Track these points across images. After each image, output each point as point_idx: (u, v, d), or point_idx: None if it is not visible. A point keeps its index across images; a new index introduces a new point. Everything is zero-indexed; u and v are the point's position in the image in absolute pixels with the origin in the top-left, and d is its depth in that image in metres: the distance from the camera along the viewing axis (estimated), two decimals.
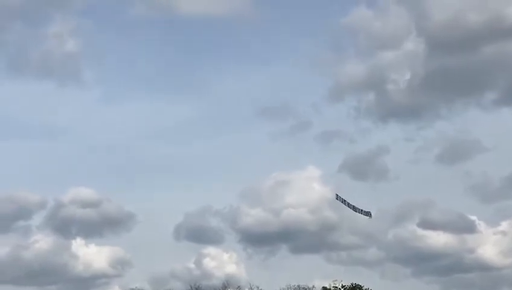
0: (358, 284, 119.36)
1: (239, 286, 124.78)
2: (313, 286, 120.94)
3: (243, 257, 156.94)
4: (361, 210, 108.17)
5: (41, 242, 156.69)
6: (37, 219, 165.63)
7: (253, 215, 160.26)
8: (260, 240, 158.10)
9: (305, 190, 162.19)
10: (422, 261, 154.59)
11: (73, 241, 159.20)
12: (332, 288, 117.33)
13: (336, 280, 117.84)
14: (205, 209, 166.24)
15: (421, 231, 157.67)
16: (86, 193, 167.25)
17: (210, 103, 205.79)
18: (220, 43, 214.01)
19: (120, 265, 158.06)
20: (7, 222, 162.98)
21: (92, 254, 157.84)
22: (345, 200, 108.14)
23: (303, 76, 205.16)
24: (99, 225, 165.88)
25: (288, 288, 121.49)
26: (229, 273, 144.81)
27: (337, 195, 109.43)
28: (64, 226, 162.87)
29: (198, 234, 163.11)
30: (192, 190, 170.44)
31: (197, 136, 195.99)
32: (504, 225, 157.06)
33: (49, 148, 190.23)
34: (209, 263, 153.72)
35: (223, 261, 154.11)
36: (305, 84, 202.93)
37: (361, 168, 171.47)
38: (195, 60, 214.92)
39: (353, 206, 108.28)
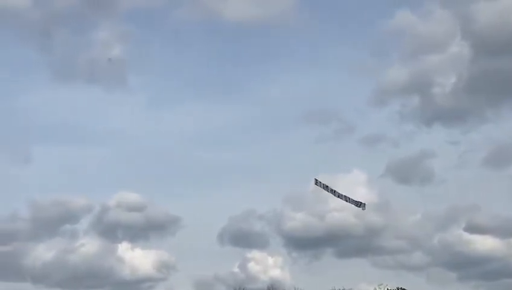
0: (403, 289, 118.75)
1: None
2: None
3: (287, 261, 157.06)
4: (350, 198, 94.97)
5: (88, 246, 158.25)
6: (84, 223, 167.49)
7: (297, 219, 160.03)
8: (305, 244, 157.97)
9: (349, 194, 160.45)
10: (468, 265, 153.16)
11: (119, 245, 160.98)
12: None
13: (381, 284, 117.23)
14: (249, 214, 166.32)
15: (467, 236, 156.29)
16: (132, 197, 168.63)
17: (254, 108, 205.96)
18: (265, 47, 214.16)
19: (165, 269, 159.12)
20: (54, 225, 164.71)
21: (137, 258, 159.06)
22: (327, 186, 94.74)
23: (347, 80, 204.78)
24: (145, 229, 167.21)
25: None
26: (273, 278, 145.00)
27: (316, 180, 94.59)
28: (110, 230, 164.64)
29: (243, 238, 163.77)
30: (237, 194, 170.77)
31: (241, 140, 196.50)
32: None
33: (95, 153, 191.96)
34: (253, 267, 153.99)
35: (267, 265, 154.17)
36: (349, 88, 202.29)
37: (406, 172, 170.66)
38: (241, 64, 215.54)
39: (339, 193, 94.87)
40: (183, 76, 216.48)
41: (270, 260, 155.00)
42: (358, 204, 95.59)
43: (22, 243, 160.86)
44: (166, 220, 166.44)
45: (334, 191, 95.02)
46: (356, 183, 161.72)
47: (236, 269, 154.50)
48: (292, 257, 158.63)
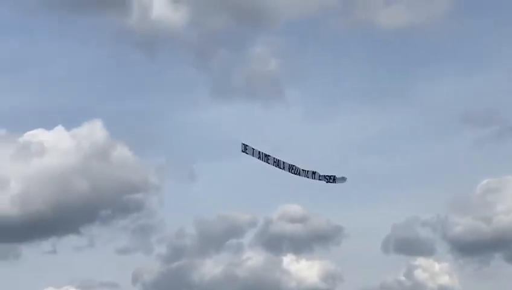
0: None
1: None
2: None
3: (454, 267, 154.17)
4: (306, 171, 67.86)
5: (253, 259, 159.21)
6: (248, 237, 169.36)
7: (463, 224, 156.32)
8: (472, 249, 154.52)
9: None
10: None
11: (283, 258, 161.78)
12: None
13: None
14: (413, 220, 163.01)
15: None
16: (294, 209, 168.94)
17: (413, 113, 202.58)
18: (422, 52, 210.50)
19: (331, 279, 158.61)
20: (220, 241, 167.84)
21: (302, 269, 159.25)
22: (259, 152, 69.47)
23: (506, 80, 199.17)
24: (308, 240, 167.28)
25: None
26: (441, 285, 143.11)
27: (243, 145, 69.31)
28: (275, 243, 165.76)
29: (407, 246, 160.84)
30: (399, 201, 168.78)
31: (401, 146, 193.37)
32: None
33: (257, 168, 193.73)
34: (420, 275, 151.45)
35: (434, 272, 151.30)
36: (508, 88, 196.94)
37: None
38: (398, 71, 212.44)
39: (279, 161, 69.37)
40: (340, 86, 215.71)
41: (437, 267, 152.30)
42: (329, 178, 69.11)
43: (190, 259, 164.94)
44: (328, 230, 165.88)
45: (278, 160, 70.24)
46: None
47: (402, 277, 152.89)
48: (459, 263, 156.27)
